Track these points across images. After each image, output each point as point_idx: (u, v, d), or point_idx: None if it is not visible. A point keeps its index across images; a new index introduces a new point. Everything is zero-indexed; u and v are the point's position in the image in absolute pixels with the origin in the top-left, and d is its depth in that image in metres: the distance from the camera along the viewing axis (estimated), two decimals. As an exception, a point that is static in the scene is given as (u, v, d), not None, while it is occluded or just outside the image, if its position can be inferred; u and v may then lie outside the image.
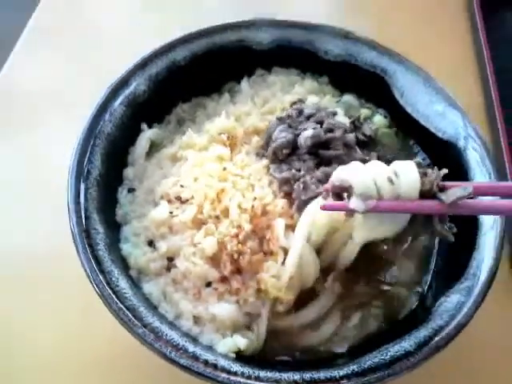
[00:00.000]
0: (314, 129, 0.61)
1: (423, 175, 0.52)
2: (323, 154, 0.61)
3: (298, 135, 0.62)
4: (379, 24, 0.97)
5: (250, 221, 0.57)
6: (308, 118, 0.64)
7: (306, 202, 0.58)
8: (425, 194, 0.51)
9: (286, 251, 0.56)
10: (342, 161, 0.60)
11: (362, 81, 0.72)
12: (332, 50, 0.72)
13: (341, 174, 0.53)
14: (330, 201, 0.53)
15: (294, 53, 0.73)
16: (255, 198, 0.58)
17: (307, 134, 0.60)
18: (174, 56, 0.69)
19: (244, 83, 0.73)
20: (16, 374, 0.62)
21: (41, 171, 0.78)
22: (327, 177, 0.58)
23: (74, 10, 1.02)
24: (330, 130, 0.62)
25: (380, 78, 0.71)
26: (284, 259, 0.56)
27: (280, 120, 0.64)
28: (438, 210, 0.51)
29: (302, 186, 0.59)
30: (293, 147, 0.62)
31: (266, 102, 0.71)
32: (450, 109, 0.65)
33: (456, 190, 0.50)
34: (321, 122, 0.63)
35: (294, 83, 0.74)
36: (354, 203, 0.51)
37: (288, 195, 0.60)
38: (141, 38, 0.93)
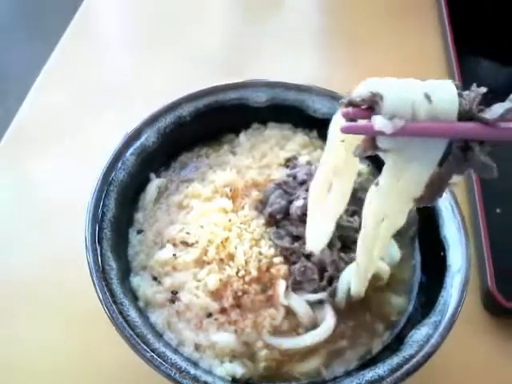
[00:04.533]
0: (304, 199, 0.68)
1: (459, 95, 0.44)
2: None
3: (291, 201, 0.69)
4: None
5: (256, 269, 0.64)
6: (301, 183, 0.72)
7: (298, 282, 0.65)
8: (463, 116, 0.44)
9: (285, 308, 0.64)
10: None
11: (347, 135, 0.81)
12: (320, 109, 0.81)
13: (370, 84, 0.45)
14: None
15: (286, 110, 0.82)
16: (261, 253, 0.66)
17: (298, 204, 0.68)
18: (181, 112, 0.78)
19: (242, 136, 0.82)
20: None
21: (52, 207, 0.86)
22: (322, 265, 0.66)
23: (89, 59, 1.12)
24: None
25: (362, 133, 0.79)
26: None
27: (277, 185, 0.72)
28: (481, 132, 0.43)
29: (301, 269, 0.65)
30: (286, 212, 0.69)
31: (264, 155, 0.79)
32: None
33: (501, 105, 0.43)
34: None
35: (288, 138, 0.82)
36: (380, 122, 0.43)
37: (286, 258, 0.67)
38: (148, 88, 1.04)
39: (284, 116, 0.83)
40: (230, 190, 0.72)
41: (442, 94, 0.44)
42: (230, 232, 0.67)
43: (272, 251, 0.66)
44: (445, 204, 0.69)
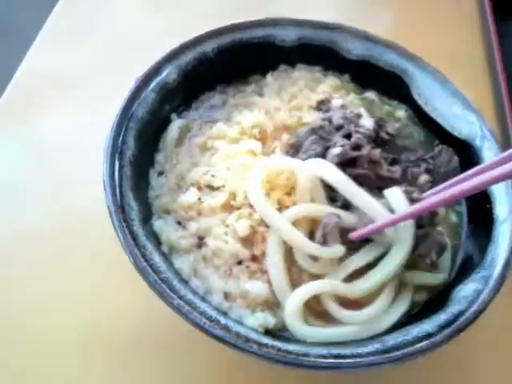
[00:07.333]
0: (341, 146, 0.62)
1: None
2: (349, 172, 0.60)
3: (327, 148, 0.63)
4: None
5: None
6: (337, 128, 0.66)
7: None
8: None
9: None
10: (367, 178, 0.61)
11: (382, 79, 0.75)
12: (354, 50, 0.75)
13: None
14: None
15: (316, 51, 0.76)
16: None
17: (335, 152, 0.62)
18: (204, 48, 0.71)
19: (269, 77, 0.76)
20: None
21: (72, 153, 0.79)
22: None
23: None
24: (357, 147, 0.62)
25: (399, 77, 0.74)
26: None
27: (312, 130, 0.66)
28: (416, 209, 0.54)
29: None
30: None
31: (293, 97, 0.73)
32: (466, 112, 0.68)
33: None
34: (348, 136, 0.64)
35: (318, 80, 0.76)
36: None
37: None
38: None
39: (313, 57, 0.77)
40: (259, 132, 0.66)
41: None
42: (260, 176, 0.61)
43: None
44: (488, 154, 0.64)
